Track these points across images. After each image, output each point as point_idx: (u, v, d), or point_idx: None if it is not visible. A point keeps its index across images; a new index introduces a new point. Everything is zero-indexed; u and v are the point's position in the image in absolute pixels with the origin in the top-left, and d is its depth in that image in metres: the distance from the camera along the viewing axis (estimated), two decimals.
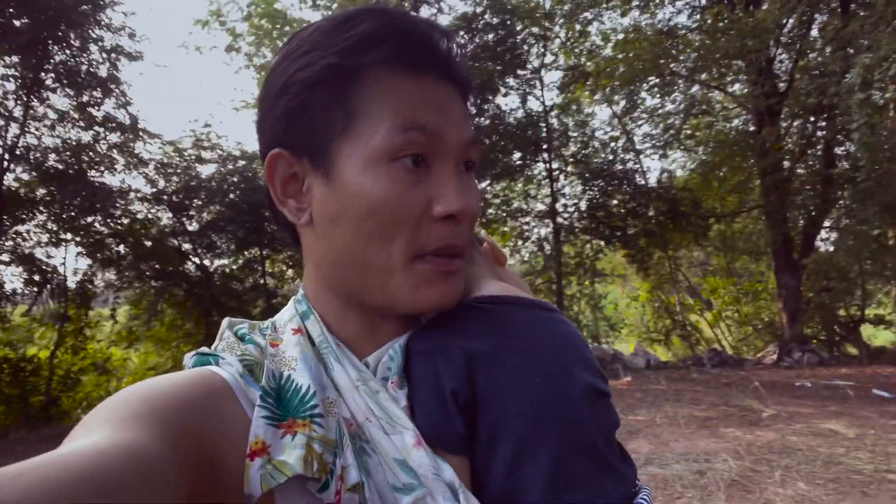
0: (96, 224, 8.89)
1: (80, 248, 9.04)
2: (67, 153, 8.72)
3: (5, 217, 8.02)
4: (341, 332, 0.57)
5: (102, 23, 8.30)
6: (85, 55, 8.26)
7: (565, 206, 11.91)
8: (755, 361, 10.11)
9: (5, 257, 8.26)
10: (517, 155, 11.20)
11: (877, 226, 8.82)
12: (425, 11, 10.17)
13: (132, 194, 9.37)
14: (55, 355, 8.77)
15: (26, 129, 8.22)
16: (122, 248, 9.25)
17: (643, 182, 11.83)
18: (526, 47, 11.00)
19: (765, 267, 12.95)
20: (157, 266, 9.54)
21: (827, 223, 10.56)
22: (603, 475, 0.50)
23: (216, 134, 12.33)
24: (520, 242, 12.38)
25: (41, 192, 8.57)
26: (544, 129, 11.27)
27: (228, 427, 0.46)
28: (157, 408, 0.42)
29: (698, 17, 10.94)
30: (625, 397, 6.95)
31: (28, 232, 8.67)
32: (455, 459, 0.51)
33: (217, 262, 10.64)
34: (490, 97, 10.50)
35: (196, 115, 18.79)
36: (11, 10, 7.36)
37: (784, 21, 9.43)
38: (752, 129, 10.74)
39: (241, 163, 10.23)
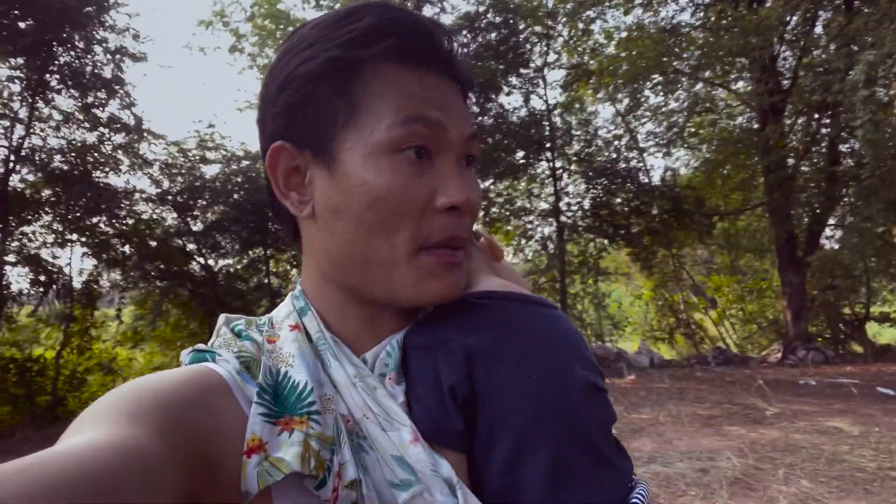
0: (101, 224, 8.90)
1: (85, 249, 9.06)
2: (72, 154, 8.73)
3: (11, 218, 8.04)
4: (339, 328, 0.57)
5: (107, 24, 8.32)
6: (89, 56, 8.27)
7: (569, 204, 11.89)
8: (759, 359, 10.07)
9: (11, 258, 8.26)
10: (520, 154, 11.19)
11: (881, 223, 8.75)
12: (428, 10, 10.17)
13: (137, 195, 9.39)
14: (61, 355, 8.76)
15: (31, 130, 8.24)
16: (127, 248, 9.26)
17: (647, 180, 11.78)
18: (529, 46, 10.97)
19: (769, 265, 12.84)
20: (161, 266, 9.55)
21: (831, 221, 10.48)
22: (602, 474, 0.50)
23: (220, 134, 12.31)
24: (523, 241, 12.33)
25: (47, 192, 8.57)
26: (547, 128, 11.23)
27: (225, 424, 0.46)
28: (154, 405, 0.42)
29: (702, 14, 10.89)
30: (628, 396, 6.94)
31: (34, 233, 8.67)
32: (453, 455, 0.51)
33: (221, 262, 10.65)
34: (493, 96, 10.48)
35: (200, 115, 18.90)
36: (16, 12, 7.37)
37: (788, 18, 9.36)
38: (755, 126, 10.66)
39: (245, 163, 10.25)
